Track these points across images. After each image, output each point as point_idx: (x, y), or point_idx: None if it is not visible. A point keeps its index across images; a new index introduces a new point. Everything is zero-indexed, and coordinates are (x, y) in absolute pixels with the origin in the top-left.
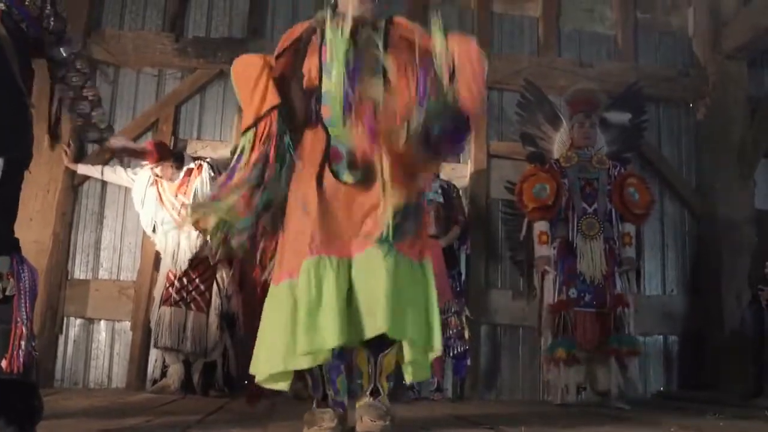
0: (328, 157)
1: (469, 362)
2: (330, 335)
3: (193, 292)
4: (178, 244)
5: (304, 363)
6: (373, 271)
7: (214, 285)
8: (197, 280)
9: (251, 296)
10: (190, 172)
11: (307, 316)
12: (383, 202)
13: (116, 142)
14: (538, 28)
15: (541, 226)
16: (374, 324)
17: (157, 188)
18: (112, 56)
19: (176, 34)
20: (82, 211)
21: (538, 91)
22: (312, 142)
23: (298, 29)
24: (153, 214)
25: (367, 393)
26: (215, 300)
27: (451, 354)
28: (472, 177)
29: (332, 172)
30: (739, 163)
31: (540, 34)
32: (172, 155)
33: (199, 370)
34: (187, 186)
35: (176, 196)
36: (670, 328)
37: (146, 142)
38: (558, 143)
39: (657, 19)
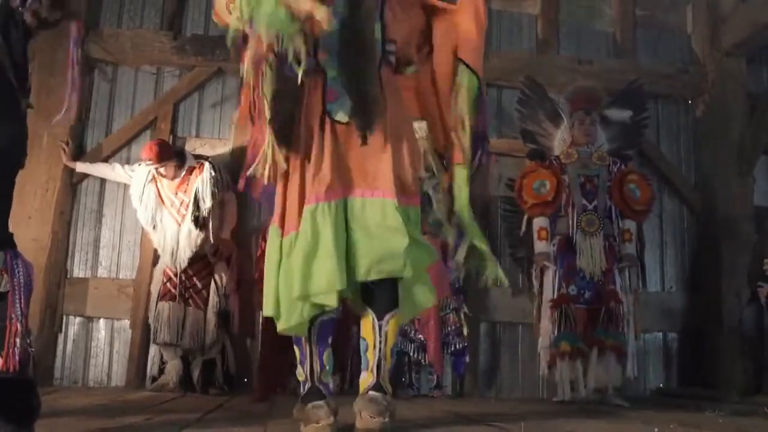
0: (325, 96)
1: (467, 359)
2: (328, 279)
3: (191, 290)
4: (178, 242)
5: (312, 310)
6: (378, 219)
7: (212, 283)
8: (195, 278)
9: (248, 296)
10: (191, 170)
11: (305, 263)
12: (384, 148)
13: None
14: (537, 25)
15: (540, 223)
16: (387, 267)
17: (156, 185)
18: (111, 54)
19: (174, 32)
20: (80, 209)
21: (539, 87)
22: (311, 84)
23: None
24: (153, 211)
25: (373, 368)
26: (213, 298)
27: (450, 351)
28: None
29: (327, 112)
30: (738, 160)
31: (539, 31)
32: (174, 155)
33: (199, 368)
34: (187, 184)
35: (176, 193)
36: (670, 325)
37: (149, 143)
38: (558, 140)
39: (656, 17)
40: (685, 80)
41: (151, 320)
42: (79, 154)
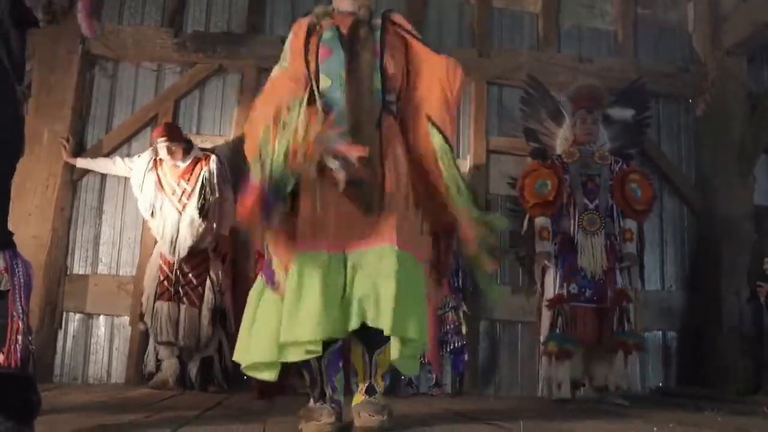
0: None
1: (466, 357)
2: (310, 327)
3: (186, 287)
4: (178, 230)
5: (293, 355)
6: (378, 269)
7: (207, 280)
8: (191, 275)
9: (244, 293)
10: (197, 161)
11: (289, 309)
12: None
13: None
14: (537, 23)
15: (542, 222)
16: (375, 318)
17: (157, 173)
18: (111, 51)
19: (175, 29)
20: (81, 206)
21: (541, 86)
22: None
23: (303, 27)
24: (152, 198)
25: (363, 391)
26: (208, 294)
27: (449, 349)
28: (471, 172)
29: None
30: (738, 160)
31: (540, 29)
32: (183, 139)
33: (197, 366)
34: (191, 174)
35: (178, 182)
36: (669, 324)
37: (162, 122)
38: (561, 139)
39: (657, 15)
40: (686, 79)
41: (147, 318)
42: (79, 150)
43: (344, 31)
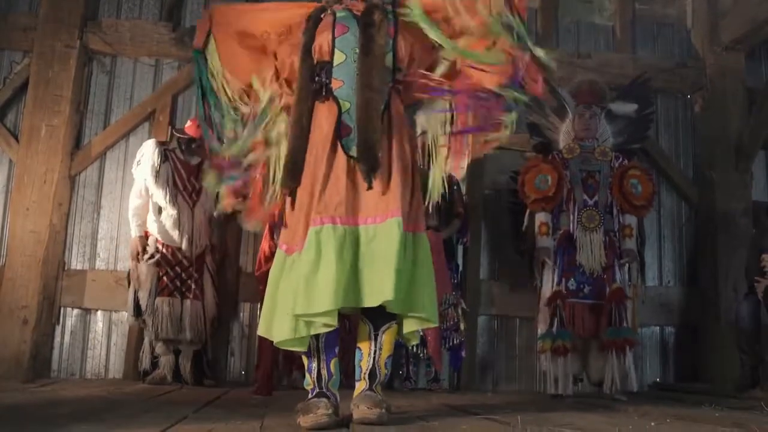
0: (339, 130)
1: (464, 354)
2: (327, 298)
3: (189, 281)
4: (192, 224)
5: (310, 329)
6: (384, 244)
7: (206, 272)
8: (191, 269)
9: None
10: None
11: (306, 281)
12: (392, 179)
13: None
14: (536, 18)
15: (542, 218)
16: (381, 292)
17: (170, 166)
18: (109, 46)
19: (173, 23)
20: (79, 201)
21: (545, 80)
22: (325, 114)
23: (307, 7)
24: (171, 188)
25: (366, 375)
26: (208, 287)
27: (447, 345)
28: (468, 168)
29: (342, 145)
30: (736, 155)
31: (538, 25)
32: None
33: (190, 359)
34: (198, 176)
35: (188, 179)
36: (667, 319)
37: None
38: (563, 133)
39: (655, 11)
40: (684, 75)
41: (146, 315)
42: (76, 147)
43: (357, 13)
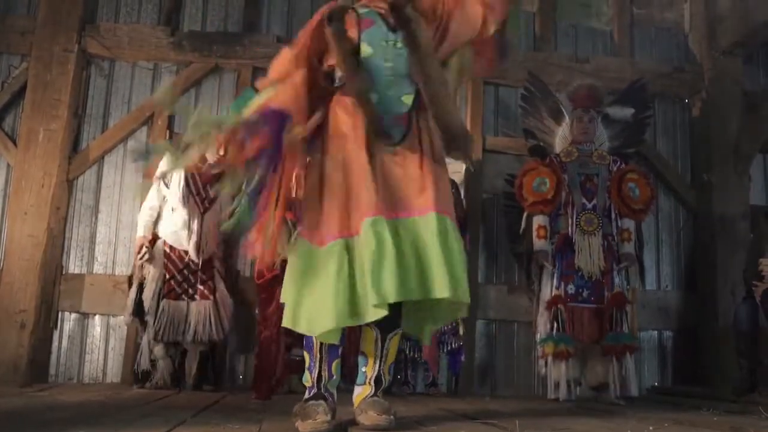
0: (376, 123)
1: (463, 359)
2: (394, 288)
3: (197, 284)
4: (202, 227)
5: (371, 315)
6: (426, 238)
7: (215, 272)
8: (199, 272)
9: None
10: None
11: (372, 271)
12: (425, 172)
13: None
14: (534, 22)
15: (540, 221)
16: (432, 288)
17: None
18: (108, 50)
19: (172, 27)
20: (76, 205)
21: (542, 84)
22: (351, 109)
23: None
24: (183, 190)
25: (371, 380)
26: (219, 286)
27: (446, 350)
28: (467, 172)
29: (380, 135)
30: (734, 159)
31: (536, 28)
32: None
33: (197, 360)
34: (215, 183)
35: (204, 185)
36: (665, 323)
37: None
38: (559, 137)
39: (653, 15)
40: (682, 79)
41: (148, 317)
42: (74, 149)
43: (381, 11)
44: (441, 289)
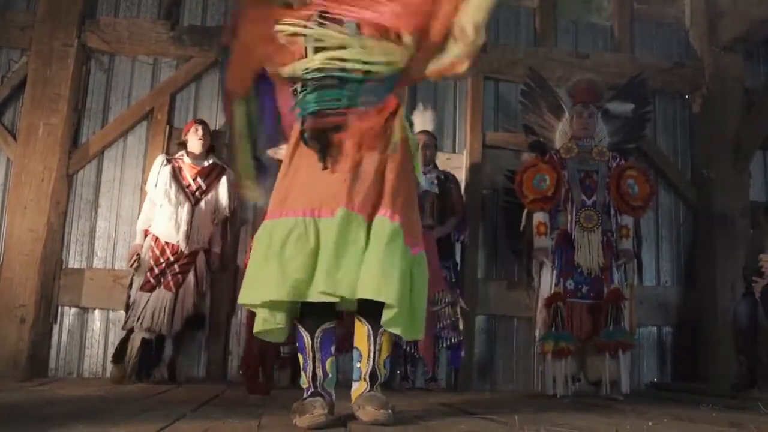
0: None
1: (463, 353)
2: (350, 279)
3: (168, 273)
4: (192, 219)
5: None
6: (388, 241)
7: (192, 269)
8: (176, 264)
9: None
10: (216, 166)
11: (335, 257)
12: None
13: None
14: (534, 18)
15: (540, 217)
16: (364, 288)
17: (173, 165)
18: (107, 44)
19: (172, 22)
20: (76, 199)
21: (542, 79)
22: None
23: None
24: (166, 185)
25: (366, 376)
26: (190, 279)
27: (445, 345)
28: (467, 167)
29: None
30: (734, 155)
31: (537, 24)
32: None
33: (171, 351)
34: (207, 177)
35: (195, 177)
36: (665, 319)
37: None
38: (559, 132)
39: (654, 11)
40: (682, 75)
41: (133, 307)
42: (74, 144)
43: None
44: (367, 289)
